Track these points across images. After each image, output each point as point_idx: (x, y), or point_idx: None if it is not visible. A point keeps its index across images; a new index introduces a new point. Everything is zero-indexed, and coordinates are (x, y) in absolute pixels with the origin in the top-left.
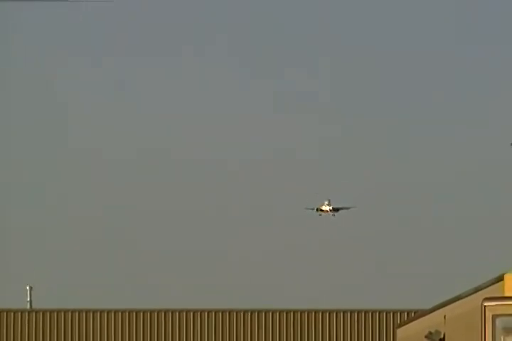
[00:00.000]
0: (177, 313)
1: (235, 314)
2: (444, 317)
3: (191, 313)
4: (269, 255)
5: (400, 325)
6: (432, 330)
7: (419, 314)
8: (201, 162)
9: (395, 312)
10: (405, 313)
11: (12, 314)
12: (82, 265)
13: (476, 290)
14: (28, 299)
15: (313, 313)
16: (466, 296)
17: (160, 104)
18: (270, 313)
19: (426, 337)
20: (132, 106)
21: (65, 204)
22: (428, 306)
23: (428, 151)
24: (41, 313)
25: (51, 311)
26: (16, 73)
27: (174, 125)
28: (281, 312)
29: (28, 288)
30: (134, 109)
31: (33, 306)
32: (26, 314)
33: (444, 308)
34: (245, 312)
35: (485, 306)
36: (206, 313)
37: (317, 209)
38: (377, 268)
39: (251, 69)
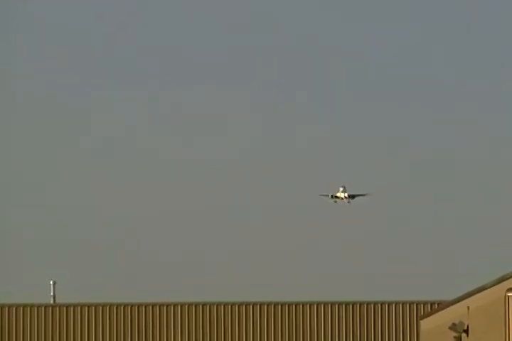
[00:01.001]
0: (200, 306)
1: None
2: (468, 308)
3: (215, 306)
4: (284, 246)
5: (424, 317)
6: (456, 321)
7: (443, 305)
8: (209, 153)
9: (418, 304)
10: (429, 305)
11: (36, 308)
12: (104, 260)
13: (500, 280)
14: (52, 294)
15: (337, 305)
16: (490, 287)
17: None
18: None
19: (450, 328)
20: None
21: (86, 203)
22: (451, 297)
23: (449, 137)
24: (65, 307)
25: (74, 305)
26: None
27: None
28: (304, 304)
29: (51, 282)
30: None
31: (57, 301)
32: (50, 308)
33: (467, 299)
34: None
35: (509, 296)
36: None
37: (332, 196)
38: (398, 258)
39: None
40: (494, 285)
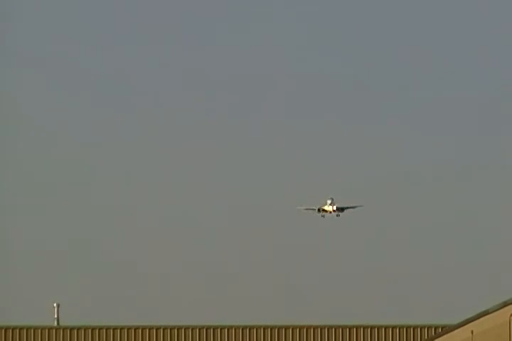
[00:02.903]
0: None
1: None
2: (472, 332)
3: (218, 330)
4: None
5: (428, 340)
6: None
7: (447, 329)
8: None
9: (422, 328)
10: (433, 328)
11: (40, 331)
12: (107, 284)
13: (503, 305)
14: (56, 316)
15: (341, 329)
16: (494, 311)
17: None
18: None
19: None
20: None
21: (91, 228)
22: (455, 321)
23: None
24: (68, 330)
25: (78, 328)
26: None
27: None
28: (308, 328)
29: (55, 305)
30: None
31: (60, 323)
32: (54, 331)
33: (471, 323)
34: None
35: None
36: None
37: (319, 210)
38: (400, 280)
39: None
40: (498, 309)
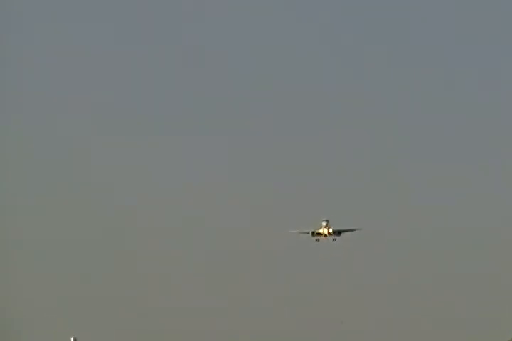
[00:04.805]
0: None
1: None
2: None
3: None
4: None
5: None
6: None
7: None
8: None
9: None
10: None
11: None
12: (123, 318)
13: None
14: None
15: None
16: None
17: None
18: None
19: None
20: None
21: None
22: None
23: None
24: None
25: None
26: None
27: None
28: None
29: (72, 339)
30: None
31: None
32: None
33: None
34: None
35: None
36: None
37: (313, 234)
38: (404, 314)
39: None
40: None
